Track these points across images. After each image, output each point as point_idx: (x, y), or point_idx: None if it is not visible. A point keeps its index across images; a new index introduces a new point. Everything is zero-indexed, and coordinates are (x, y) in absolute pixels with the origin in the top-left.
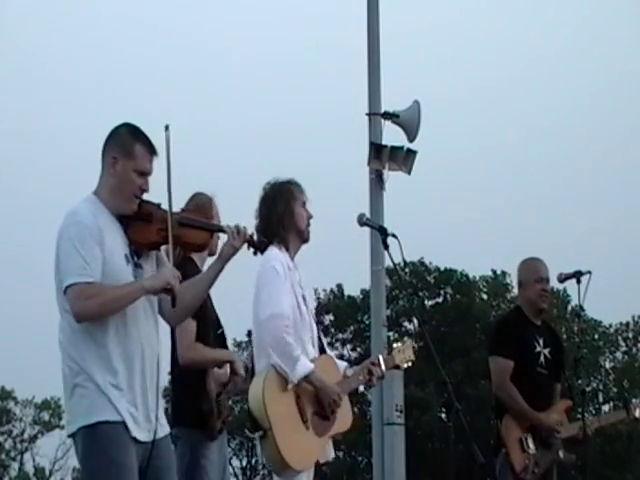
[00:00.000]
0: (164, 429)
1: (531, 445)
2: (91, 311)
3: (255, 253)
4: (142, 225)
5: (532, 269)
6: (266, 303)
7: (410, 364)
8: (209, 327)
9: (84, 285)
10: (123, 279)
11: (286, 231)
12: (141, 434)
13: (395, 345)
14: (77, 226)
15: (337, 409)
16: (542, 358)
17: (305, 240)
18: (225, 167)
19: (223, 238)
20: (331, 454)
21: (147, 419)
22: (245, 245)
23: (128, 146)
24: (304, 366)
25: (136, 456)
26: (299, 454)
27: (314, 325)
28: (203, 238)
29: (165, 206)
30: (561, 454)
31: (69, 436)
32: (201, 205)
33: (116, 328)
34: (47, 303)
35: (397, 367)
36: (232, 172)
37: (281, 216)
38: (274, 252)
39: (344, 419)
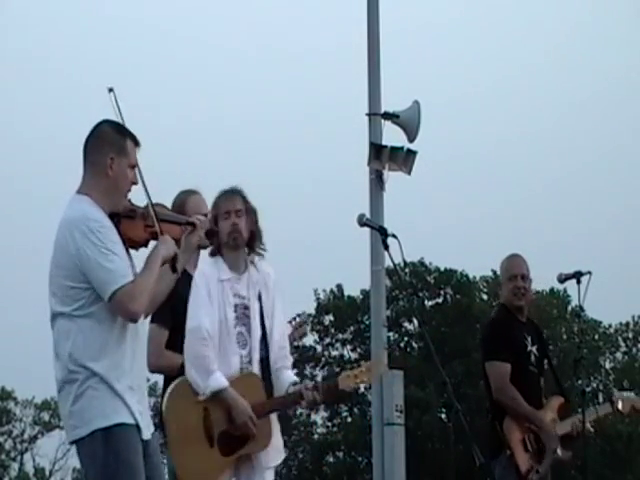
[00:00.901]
0: (151, 427)
1: (534, 445)
2: (144, 307)
3: (211, 242)
4: (130, 223)
5: (505, 267)
6: (188, 317)
7: (364, 385)
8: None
9: (130, 285)
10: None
11: (214, 242)
12: (147, 433)
13: (345, 372)
14: (101, 230)
15: (250, 432)
16: (532, 357)
17: (233, 247)
18: (225, 166)
19: None
20: (275, 460)
21: (146, 416)
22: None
23: (121, 143)
24: (217, 381)
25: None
26: (193, 471)
27: (257, 335)
28: (177, 232)
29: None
30: (559, 452)
31: (75, 441)
32: (179, 205)
33: (124, 331)
34: (47, 303)
35: (343, 391)
36: (232, 171)
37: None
38: (200, 265)
39: (260, 440)
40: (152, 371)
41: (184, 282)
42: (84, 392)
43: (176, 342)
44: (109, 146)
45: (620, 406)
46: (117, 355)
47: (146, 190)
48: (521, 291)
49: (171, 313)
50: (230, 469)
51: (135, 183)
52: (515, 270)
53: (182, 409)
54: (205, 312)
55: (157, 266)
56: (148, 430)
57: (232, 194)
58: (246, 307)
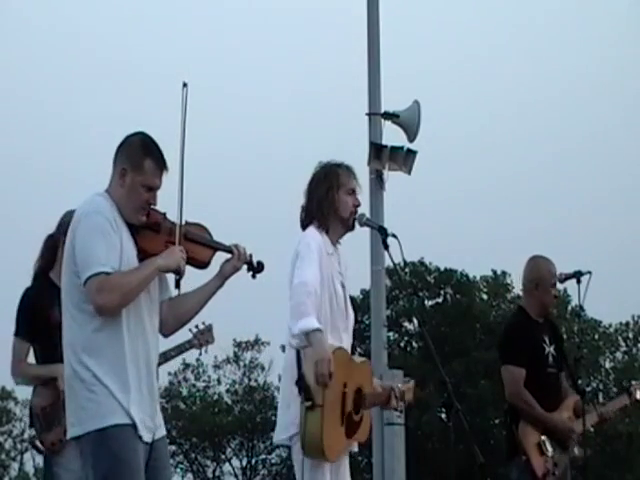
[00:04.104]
0: (162, 430)
1: (549, 447)
2: (114, 304)
3: (253, 276)
4: (150, 235)
5: (549, 273)
6: (296, 274)
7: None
8: (56, 346)
9: (104, 277)
10: None
11: (326, 216)
12: (147, 435)
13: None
14: (98, 216)
15: (325, 382)
16: (550, 358)
17: (349, 228)
18: (225, 167)
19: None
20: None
21: (152, 420)
22: (245, 266)
23: (138, 160)
24: (308, 322)
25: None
26: (333, 443)
27: (352, 317)
28: (207, 255)
29: (169, 217)
30: (576, 450)
31: (73, 438)
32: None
33: (128, 329)
34: None
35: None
36: (232, 172)
37: (321, 200)
38: (311, 231)
39: (365, 428)
40: (15, 383)
41: (49, 295)
42: (82, 392)
43: (42, 353)
44: (126, 157)
45: (639, 396)
46: (118, 357)
47: (181, 206)
48: (556, 299)
49: (32, 326)
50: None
51: (151, 204)
52: (556, 278)
53: (333, 382)
54: (315, 271)
55: (147, 271)
56: (152, 432)
57: (354, 174)
58: (343, 285)
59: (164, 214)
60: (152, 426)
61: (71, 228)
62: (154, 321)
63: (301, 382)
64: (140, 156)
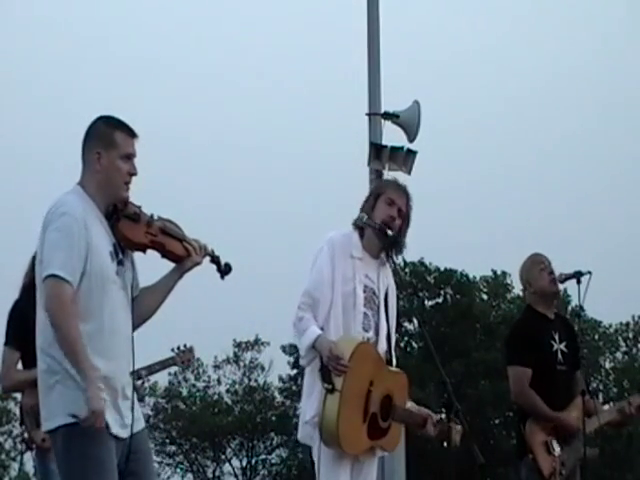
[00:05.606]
0: (140, 423)
1: (556, 447)
2: (56, 316)
3: (222, 277)
4: (131, 224)
5: (533, 262)
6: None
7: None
8: None
9: (67, 285)
10: (107, 274)
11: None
12: (121, 431)
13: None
14: (66, 218)
15: (337, 367)
16: (560, 355)
17: (379, 237)
18: (224, 166)
19: None
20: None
21: (124, 417)
22: (214, 267)
23: (109, 136)
24: (308, 337)
25: (116, 453)
26: (350, 434)
27: (384, 326)
28: (183, 249)
29: (145, 210)
30: (587, 451)
31: (47, 432)
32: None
33: (99, 325)
34: None
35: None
36: (231, 171)
37: (363, 204)
38: (332, 234)
39: (393, 440)
40: (5, 391)
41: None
42: (55, 386)
43: (31, 361)
44: (96, 141)
45: (632, 411)
46: (92, 352)
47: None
48: (553, 277)
49: (22, 335)
50: (363, 454)
51: (133, 174)
52: (544, 261)
53: (358, 372)
54: (314, 278)
55: (82, 362)
56: (127, 428)
57: (404, 192)
58: (374, 292)
59: (139, 207)
60: (125, 423)
61: (42, 229)
62: (128, 319)
63: (324, 369)
64: (109, 133)
